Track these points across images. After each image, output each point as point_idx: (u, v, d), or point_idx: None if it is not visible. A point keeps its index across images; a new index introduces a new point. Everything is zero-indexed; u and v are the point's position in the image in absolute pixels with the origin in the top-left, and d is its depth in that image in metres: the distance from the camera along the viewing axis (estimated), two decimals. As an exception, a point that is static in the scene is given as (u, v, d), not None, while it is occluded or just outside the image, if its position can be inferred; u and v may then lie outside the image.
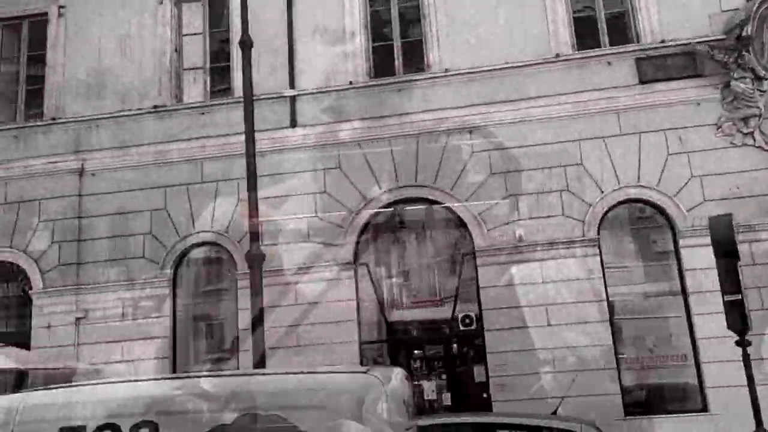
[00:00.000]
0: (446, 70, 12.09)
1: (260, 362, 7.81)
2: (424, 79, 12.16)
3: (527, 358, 10.78)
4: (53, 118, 13.01)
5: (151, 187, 12.45)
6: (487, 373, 10.90)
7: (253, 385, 3.93)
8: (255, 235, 8.14)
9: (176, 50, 13.18)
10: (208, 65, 13.18)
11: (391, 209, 11.87)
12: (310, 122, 12.34)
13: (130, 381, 4.16)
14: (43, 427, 3.51)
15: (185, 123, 12.76)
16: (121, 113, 12.84)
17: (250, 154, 7.87)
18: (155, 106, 12.78)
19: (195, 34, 13.35)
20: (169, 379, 4.49)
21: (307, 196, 12.00)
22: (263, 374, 4.07)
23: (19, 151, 12.96)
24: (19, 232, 12.47)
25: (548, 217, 11.19)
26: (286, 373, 4.61)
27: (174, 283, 12.11)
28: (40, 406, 3.56)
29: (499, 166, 11.55)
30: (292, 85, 12.54)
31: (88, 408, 3.65)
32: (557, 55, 11.80)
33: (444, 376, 11.30)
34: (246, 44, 8.35)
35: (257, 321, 7.94)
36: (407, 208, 11.86)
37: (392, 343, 11.47)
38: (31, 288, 12.23)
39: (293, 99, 12.47)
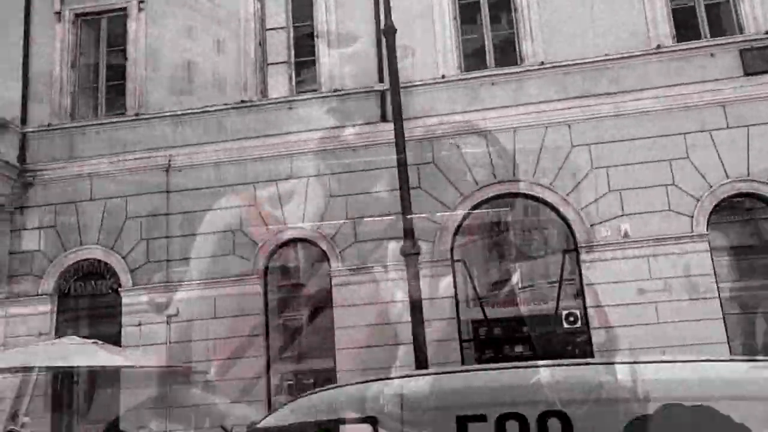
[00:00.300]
0: (542, 63, 11.85)
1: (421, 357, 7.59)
2: (519, 72, 11.94)
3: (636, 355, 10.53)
4: (137, 114, 12.85)
5: (239, 183, 12.28)
6: (595, 371, 10.64)
7: (681, 373, 3.46)
8: (410, 232, 7.87)
9: (260, 44, 13.00)
10: (292, 59, 13.00)
11: (487, 206, 11.66)
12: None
13: (533, 366, 3.57)
14: (436, 416, 3.14)
15: (271, 118, 12.58)
16: (207, 108, 12.66)
17: (401, 149, 7.60)
18: (242, 101, 12.61)
19: (278, 28, 13.17)
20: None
21: (395, 192, 11.75)
22: (692, 361, 3.53)
23: (103, 148, 12.81)
24: (106, 229, 12.32)
25: (654, 212, 10.93)
26: (731, 360, 4.12)
27: (265, 280, 11.92)
28: (430, 393, 3.21)
29: (601, 160, 11.30)
30: (381, 79, 12.32)
31: (488, 394, 3.28)
32: (658, 47, 11.54)
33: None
34: (389, 31, 8.14)
35: (416, 315, 7.65)
36: (505, 203, 11.64)
37: (492, 342, 11.23)
38: (120, 286, 12.08)
39: (383, 93, 12.26)
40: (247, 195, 12.15)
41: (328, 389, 3.21)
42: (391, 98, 8.24)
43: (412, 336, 8.47)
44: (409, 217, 7.91)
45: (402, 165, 7.74)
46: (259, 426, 2.93)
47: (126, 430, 10.27)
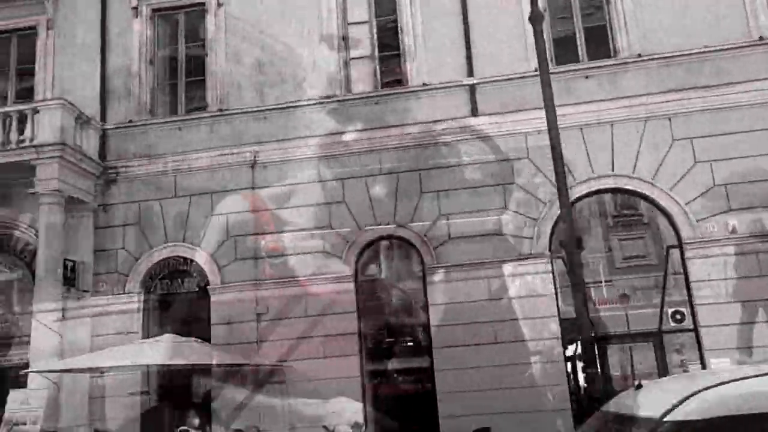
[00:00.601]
0: (639, 56, 11.59)
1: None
2: (615, 65, 11.68)
3: (746, 355, 10.25)
4: (220, 110, 12.68)
5: (326, 180, 12.08)
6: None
7: None
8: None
9: (343, 39, 12.80)
10: (376, 53, 12.79)
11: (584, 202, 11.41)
12: (491, 111, 11.90)
13: None
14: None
15: (357, 113, 12.38)
16: (291, 104, 12.48)
17: (555, 141, 7.35)
18: (327, 96, 12.42)
19: (361, 22, 12.97)
20: None
21: (496, 187, 11.55)
22: None
23: (186, 144, 12.65)
24: (192, 226, 12.16)
25: (764, 207, 10.65)
26: None
27: (356, 278, 11.71)
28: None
29: (704, 154, 11.03)
30: (470, 74, 12.11)
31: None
32: (761, 38, 11.25)
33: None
34: (537, 18, 7.91)
35: (581, 313, 7.38)
36: (603, 199, 11.40)
37: (595, 340, 10.95)
38: (208, 284, 11.91)
39: (473, 87, 12.04)
40: (335, 191, 11.96)
41: (735, 380, 2.92)
42: (542, 88, 7.96)
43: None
44: (566, 204, 7.58)
45: (558, 158, 7.47)
46: (670, 419, 2.67)
47: (242, 429, 10.08)
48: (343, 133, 12.29)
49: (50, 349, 10.77)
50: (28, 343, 11.99)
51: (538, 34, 7.92)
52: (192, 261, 12.11)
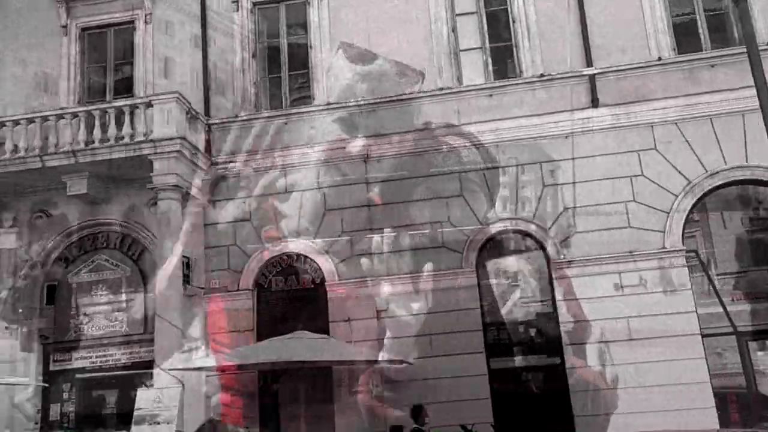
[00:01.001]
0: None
1: None
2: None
3: None
4: (328, 103, 12.43)
5: (442, 173, 11.80)
6: None
7: None
8: None
9: (453, 30, 12.53)
10: (487, 45, 12.51)
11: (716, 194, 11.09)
12: (612, 101, 11.59)
13: None
14: None
15: (468, 105, 12.09)
16: (402, 96, 12.22)
17: None
18: (440, 88, 12.15)
19: (469, 13, 12.69)
20: None
21: (622, 179, 11.25)
22: None
23: (294, 138, 12.35)
24: (305, 221, 11.89)
25: None
26: None
27: (477, 273, 11.43)
28: None
29: None
30: (588, 63, 11.81)
31: None
32: None
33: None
34: None
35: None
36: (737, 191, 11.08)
37: (739, 336, 10.64)
38: (324, 279, 11.66)
39: (592, 78, 11.73)
40: (452, 185, 11.69)
41: None
42: (752, 69, 7.64)
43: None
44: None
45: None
46: None
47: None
48: (454, 126, 12.03)
49: (174, 347, 10.54)
50: (138, 342, 11.91)
51: (744, 13, 7.59)
52: (306, 257, 11.87)
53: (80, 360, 12.20)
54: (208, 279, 11.89)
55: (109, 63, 13.59)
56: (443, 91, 12.15)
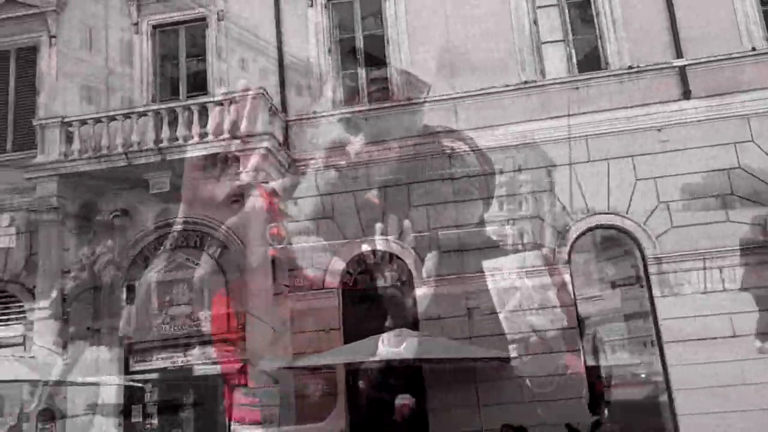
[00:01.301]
0: None
1: None
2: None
3: None
4: (408, 98, 12.24)
5: (530, 168, 11.58)
6: None
7: None
8: None
9: (534, 23, 12.32)
10: (570, 37, 12.29)
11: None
12: (704, 93, 11.34)
13: None
14: None
15: (553, 99, 11.86)
16: (486, 90, 12.00)
17: None
18: (525, 82, 11.94)
19: (550, 5, 12.48)
20: None
21: (718, 172, 10.99)
22: None
23: (372, 134, 12.17)
24: (390, 220, 11.71)
25: None
26: None
27: (570, 269, 11.18)
28: None
29: None
30: (678, 55, 11.56)
31: None
32: None
33: None
34: None
35: None
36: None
37: None
38: (411, 277, 11.45)
39: (683, 69, 11.49)
40: (541, 180, 11.48)
41: None
42: None
43: None
44: None
45: None
46: None
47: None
48: (539, 120, 11.81)
49: (267, 345, 10.37)
50: (221, 341, 11.74)
51: None
52: (392, 254, 11.67)
53: (160, 360, 12.04)
54: (291, 277, 11.71)
55: (180, 60, 13.47)
56: (528, 85, 11.94)
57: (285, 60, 12.89)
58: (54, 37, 13.64)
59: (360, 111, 12.40)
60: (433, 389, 10.90)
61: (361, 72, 12.80)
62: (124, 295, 12.16)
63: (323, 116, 12.45)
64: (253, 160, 11.01)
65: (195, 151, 11.10)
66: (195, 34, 13.51)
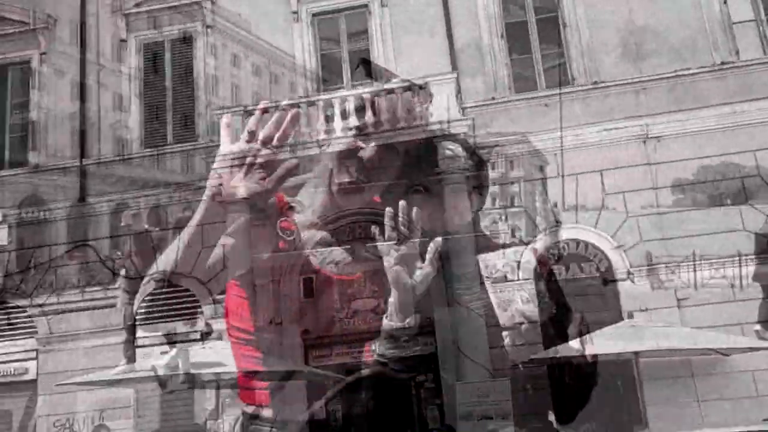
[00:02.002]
0: None
1: None
2: None
3: None
4: (594, 82, 11.78)
5: (730, 152, 11.07)
6: None
7: None
8: None
9: (725, 2, 11.79)
10: (762, 17, 11.75)
11: None
12: None
13: None
14: None
15: (749, 81, 11.33)
16: (679, 73, 11.51)
17: None
18: (722, 63, 11.42)
19: (739, -13, 11.95)
20: None
21: None
22: None
23: (554, 120, 11.65)
24: (584, 207, 11.25)
25: None
26: None
27: (781, 258, 10.66)
28: None
29: None
30: None
31: None
32: None
33: None
34: None
35: None
36: None
37: None
38: (610, 268, 10.97)
39: None
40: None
41: None
42: None
43: None
44: None
45: None
46: None
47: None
48: (733, 103, 11.29)
49: (480, 338, 9.95)
50: (418, 336, 11.31)
51: None
52: (588, 243, 11.21)
53: (340, 356, 11.68)
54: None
55: (342, 47, 13.12)
56: (723, 67, 11.43)
57: (456, 44, 12.48)
58: (210, 27, 13.39)
59: (540, 96, 11.96)
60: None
61: (536, 56, 12.36)
62: (302, 289, 11.81)
63: (501, 102, 12.02)
64: (452, 146, 10.62)
65: (393, 138, 10.69)
66: (357, 20, 13.14)
